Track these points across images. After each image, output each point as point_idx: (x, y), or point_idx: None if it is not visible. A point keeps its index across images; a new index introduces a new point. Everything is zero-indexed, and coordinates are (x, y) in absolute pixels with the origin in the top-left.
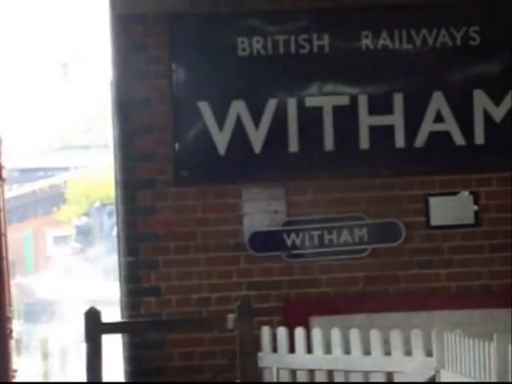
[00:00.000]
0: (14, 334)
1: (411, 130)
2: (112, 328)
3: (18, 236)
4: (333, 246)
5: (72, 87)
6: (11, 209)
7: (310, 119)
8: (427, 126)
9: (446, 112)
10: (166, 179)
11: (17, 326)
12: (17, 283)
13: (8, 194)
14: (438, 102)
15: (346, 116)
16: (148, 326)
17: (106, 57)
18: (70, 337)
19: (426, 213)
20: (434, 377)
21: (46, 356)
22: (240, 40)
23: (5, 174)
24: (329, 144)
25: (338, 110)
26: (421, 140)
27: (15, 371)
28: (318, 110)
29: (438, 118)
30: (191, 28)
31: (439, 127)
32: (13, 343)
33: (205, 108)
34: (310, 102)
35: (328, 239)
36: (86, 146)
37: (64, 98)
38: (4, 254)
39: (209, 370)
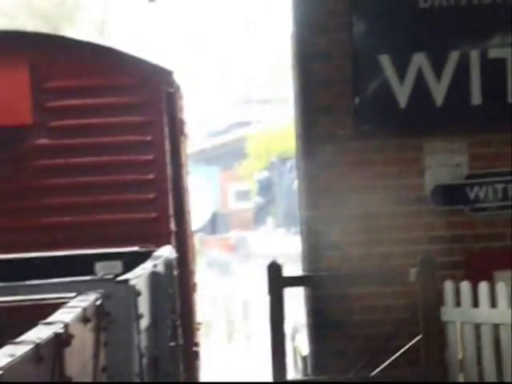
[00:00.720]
0: (198, 288)
1: None
2: (294, 281)
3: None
4: None
5: (254, 42)
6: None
7: (493, 71)
8: None
9: None
10: (346, 133)
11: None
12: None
13: (189, 150)
14: None
15: None
16: (329, 279)
17: (287, 11)
18: (253, 290)
19: None
20: None
21: (229, 309)
22: None
23: (187, 129)
24: None
25: None
26: None
27: (199, 324)
28: (501, 62)
29: None
30: None
31: None
32: (196, 297)
33: (385, 61)
34: (492, 53)
35: None
36: (267, 100)
37: (246, 52)
38: (187, 208)
39: (390, 324)
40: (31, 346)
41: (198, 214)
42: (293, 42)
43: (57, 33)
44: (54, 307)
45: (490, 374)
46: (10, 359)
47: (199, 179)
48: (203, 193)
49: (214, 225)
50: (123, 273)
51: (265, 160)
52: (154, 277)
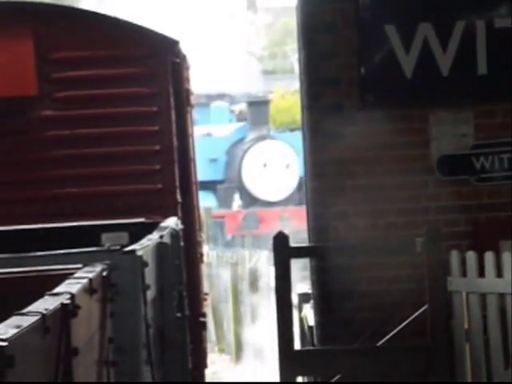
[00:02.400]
0: (205, 259)
1: None
2: (300, 252)
3: None
4: None
5: (258, 13)
6: None
7: (499, 41)
8: None
9: None
10: (352, 104)
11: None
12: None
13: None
14: None
15: None
16: (335, 250)
17: None
18: (260, 260)
19: None
20: None
21: (236, 279)
22: None
23: (193, 99)
24: None
25: None
26: None
27: (206, 294)
28: (508, 32)
29: None
30: None
31: None
32: (203, 267)
33: (391, 31)
34: (499, 23)
35: None
36: (272, 71)
37: (250, 24)
38: (193, 179)
39: (396, 295)
40: (38, 317)
41: (284, 182)
42: (298, 12)
43: (61, 3)
44: (61, 278)
45: (496, 343)
46: (16, 330)
47: (284, 146)
48: (289, 160)
49: (301, 194)
50: (129, 244)
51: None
52: (160, 248)
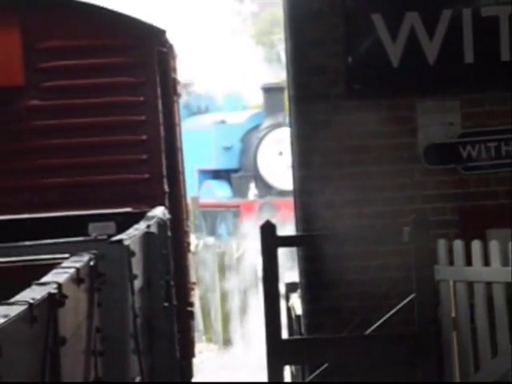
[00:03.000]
0: (192, 248)
1: None
2: (287, 241)
3: None
4: (510, 157)
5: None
6: None
7: (486, 29)
8: None
9: None
10: (338, 92)
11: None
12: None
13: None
14: None
15: None
16: (322, 239)
17: None
18: (247, 250)
19: None
20: None
21: (222, 269)
22: None
23: (179, 89)
24: (505, 54)
25: None
26: None
27: (194, 283)
28: (495, 20)
29: None
30: None
31: None
32: (191, 257)
33: (378, 20)
34: (485, 11)
35: (505, 151)
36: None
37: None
38: (180, 169)
39: (384, 283)
40: (25, 307)
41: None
42: (284, 2)
43: None
44: (48, 268)
45: (483, 332)
46: (3, 320)
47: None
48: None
49: None
50: (117, 233)
51: None
52: (147, 237)
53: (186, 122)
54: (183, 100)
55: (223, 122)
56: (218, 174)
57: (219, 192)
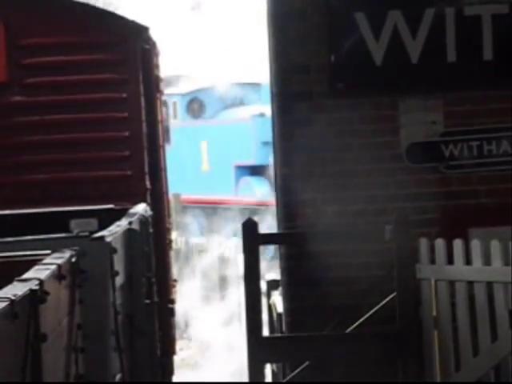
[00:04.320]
0: (174, 245)
1: None
2: (269, 239)
3: None
4: (492, 156)
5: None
6: None
7: (469, 28)
8: None
9: None
10: (321, 91)
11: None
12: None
13: None
14: None
15: (505, 25)
16: (304, 237)
17: None
18: (228, 247)
19: None
20: None
21: (204, 266)
22: None
23: (162, 85)
24: (487, 53)
25: (497, 19)
26: None
27: (175, 281)
28: (477, 19)
29: None
30: None
31: None
32: (172, 254)
33: (361, 18)
34: (468, 10)
35: (487, 150)
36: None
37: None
38: (162, 166)
39: (366, 281)
40: (6, 303)
41: None
42: (268, 0)
43: None
44: (29, 264)
45: (464, 331)
46: None
47: None
48: None
49: None
50: (98, 230)
51: None
52: (129, 234)
53: (221, 115)
54: (217, 92)
55: (262, 114)
56: (256, 170)
57: (258, 189)
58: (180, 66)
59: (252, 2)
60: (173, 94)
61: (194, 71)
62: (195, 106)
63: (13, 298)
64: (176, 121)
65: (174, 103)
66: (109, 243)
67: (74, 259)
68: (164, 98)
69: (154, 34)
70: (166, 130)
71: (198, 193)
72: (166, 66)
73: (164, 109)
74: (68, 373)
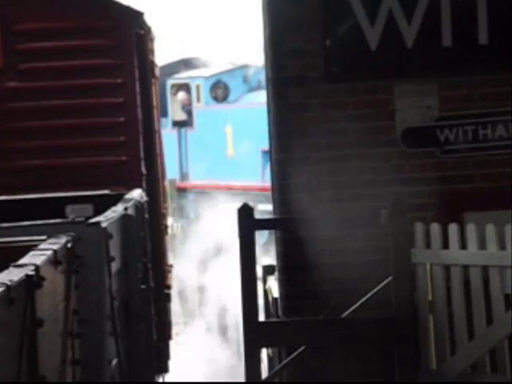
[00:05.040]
0: (169, 230)
1: None
2: (264, 224)
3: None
4: (487, 141)
5: None
6: None
7: (464, 13)
8: None
9: None
10: (316, 75)
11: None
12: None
13: None
14: None
15: (501, 8)
16: (300, 221)
17: None
18: (223, 233)
19: None
20: None
21: (202, 251)
22: None
23: (157, 71)
24: (482, 38)
25: (492, 3)
26: None
27: (171, 266)
28: (472, 3)
29: None
30: None
31: None
32: (168, 239)
33: (356, 3)
34: None
35: (482, 134)
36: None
37: None
38: (158, 152)
39: (361, 266)
40: (2, 289)
41: None
42: None
43: None
44: (25, 250)
45: (460, 315)
46: None
47: None
48: None
49: None
50: (94, 216)
51: None
52: (124, 220)
53: (246, 98)
54: (241, 75)
55: None
56: None
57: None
58: (193, 50)
59: None
60: (196, 76)
61: (213, 53)
62: (219, 89)
63: (9, 283)
64: (199, 104)
65: (197, 86)
66: (104, 229)
67: (69, 245)
68: (187, 81)
69: (155, 19)
70: (189, 114)
71: (224, 178)
72: (182, 50)
73: (185, 93)
74: (64, 358)
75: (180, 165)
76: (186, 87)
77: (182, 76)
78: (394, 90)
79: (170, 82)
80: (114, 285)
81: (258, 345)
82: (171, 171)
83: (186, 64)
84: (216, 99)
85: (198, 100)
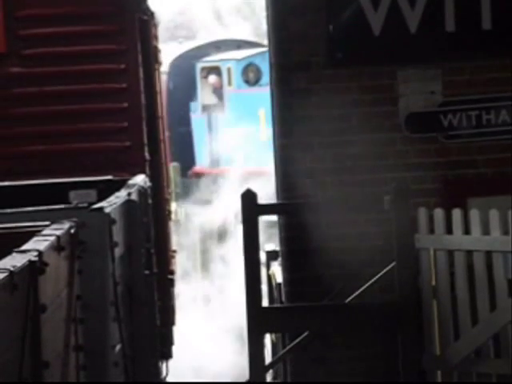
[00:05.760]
0: (173, 216)
1: None
2: (268, 209)
3: None
4: (491, 126)
5: None
6: None
7: None
8: None
9: None
10: (320, 61)
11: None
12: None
13: None
14: None
15: None
16: (303, 207)
17: None
18: (228, 218)
19: None
20: None
21: (204, 236)
22: None
23: (161, 57)
24: (486, 23)
25: None
26: None
27: (174, 251)
28: None
29: None
30: None
31: None
32: (171, 224)
33: None
34: None
35: (486, 119)
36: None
37: None
38: (161, 137)
39: (365, 252)
40: (5, 274)
41: None
42: None
43: None
44: (28, 235)
45: (463, 300)
46: None
47: None
48: None
49: None
50: (97, 201)
51: None
52: (128, 205)
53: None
54: (264, 57)
55: None
56: None
57: None
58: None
59: None
60: (227, 59)
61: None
62: (251, 71)
63: (12, 269)
64: (231, 88)
65: (229, 69)
66: (108, 214)
67: (73, 230)
68: (217, 63)
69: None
70: (220, 98)
71: (257, 163)
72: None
73: (216, 76)
74: (67, 344)
75: (210, 150)
76: (216, 70)
77: (213, 59)
78: (397, 75)
79: (199, 65)
80: (118, 270)
81: (261, 330)
82: (201, 157)
83: (217, 46)
84: (248, 82)
85: (230, 83)
